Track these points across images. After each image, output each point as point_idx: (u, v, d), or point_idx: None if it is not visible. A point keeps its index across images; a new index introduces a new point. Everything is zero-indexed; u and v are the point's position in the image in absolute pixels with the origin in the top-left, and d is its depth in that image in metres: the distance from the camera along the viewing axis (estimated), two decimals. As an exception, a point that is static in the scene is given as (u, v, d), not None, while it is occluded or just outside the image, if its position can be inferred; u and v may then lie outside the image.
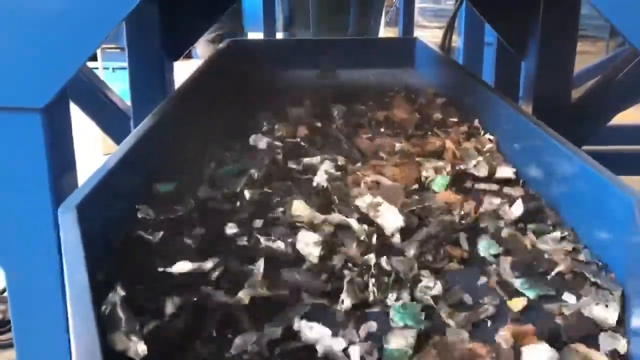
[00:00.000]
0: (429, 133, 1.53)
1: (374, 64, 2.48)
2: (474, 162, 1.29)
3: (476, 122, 1.59)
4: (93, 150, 3.98)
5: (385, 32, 5.62)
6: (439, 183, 1.22)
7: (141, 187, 1.14)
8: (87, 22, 0.99)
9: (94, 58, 5.41)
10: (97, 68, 5.25)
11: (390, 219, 1.02)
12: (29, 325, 1.11)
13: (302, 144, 1.43)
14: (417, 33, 3.37)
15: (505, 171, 1.27)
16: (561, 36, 1.83)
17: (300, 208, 1.05)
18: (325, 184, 1.17)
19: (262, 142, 1.43)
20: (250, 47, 2.67)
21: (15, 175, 1.02)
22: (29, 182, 1.00)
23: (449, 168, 1.27)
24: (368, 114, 1.70)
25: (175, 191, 1.14)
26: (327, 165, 1.26)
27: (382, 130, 1.57)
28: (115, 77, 5.00)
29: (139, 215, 1.02)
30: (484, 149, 1.39)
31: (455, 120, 1.65)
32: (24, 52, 1.00)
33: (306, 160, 1.30)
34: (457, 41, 3.36)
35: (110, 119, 2.02)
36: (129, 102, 1.90)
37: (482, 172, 1.26)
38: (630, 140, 2.40)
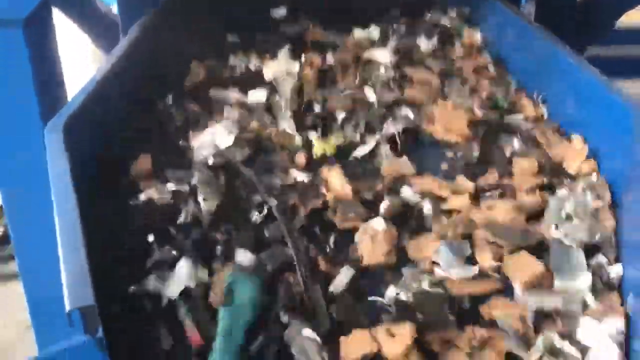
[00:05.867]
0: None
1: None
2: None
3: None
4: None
5: None
6: None
7: (130, 98, 1.10)
8: None
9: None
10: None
11: None
12: (26, 237, 1.13)
13: None
14: None
15: None
16: None
17: None
18: None
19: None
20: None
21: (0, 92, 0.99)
22: (15, 98, 0.98)
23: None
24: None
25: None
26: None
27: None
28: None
29: None
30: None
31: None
32: (0, -40, 0.95)
33: None
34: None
35: (100, 29, 1.95)
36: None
37: None
38: (636, 42, 2.33)
